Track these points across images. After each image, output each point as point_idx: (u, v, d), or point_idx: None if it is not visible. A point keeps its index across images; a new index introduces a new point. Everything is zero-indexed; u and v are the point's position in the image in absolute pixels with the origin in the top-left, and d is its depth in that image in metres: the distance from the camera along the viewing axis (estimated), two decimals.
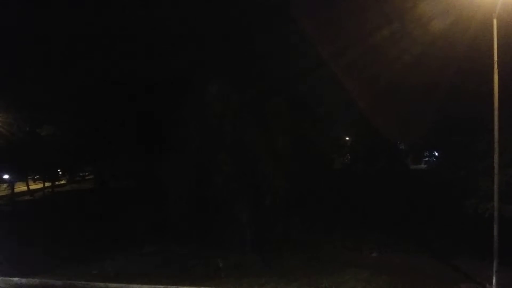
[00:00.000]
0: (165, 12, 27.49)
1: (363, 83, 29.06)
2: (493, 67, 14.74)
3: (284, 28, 26.35)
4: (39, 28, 28.72)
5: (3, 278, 18.78)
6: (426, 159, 56.91)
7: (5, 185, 44.05)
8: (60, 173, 48.20)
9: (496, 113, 14.76)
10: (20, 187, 49.41)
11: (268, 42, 26.65)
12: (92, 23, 28.42)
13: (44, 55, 30.15)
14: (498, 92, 14.71)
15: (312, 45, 26.70)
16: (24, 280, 18.61)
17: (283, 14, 26.38)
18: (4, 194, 44.94)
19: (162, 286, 17.39)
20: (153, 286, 17.49)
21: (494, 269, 14.72)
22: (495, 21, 14.68)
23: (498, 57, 14.67)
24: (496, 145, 14.83)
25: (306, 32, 26.24)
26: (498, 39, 14.68)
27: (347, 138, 58.58)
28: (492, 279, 14.83)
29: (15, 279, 18.70)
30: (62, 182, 53.60)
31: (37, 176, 52.98)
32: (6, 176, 44.33)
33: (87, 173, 51.02)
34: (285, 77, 26.87)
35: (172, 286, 17.30)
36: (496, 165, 14.90)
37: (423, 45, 22.46)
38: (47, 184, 49.10)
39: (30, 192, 49.02)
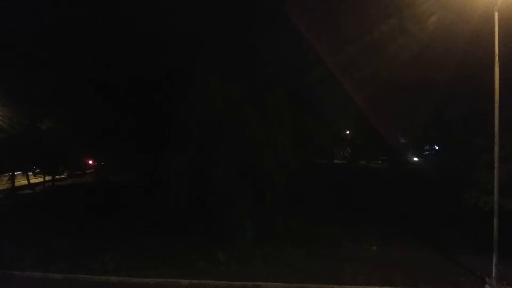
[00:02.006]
0: (165, 6, 27.40)
1: (364, 77, 29.04)
2: (494, 61, 14.73)
3: (285, 23, 26.30)
4: (39, 23, 28.64)
5: (4, 271, 18.83)
6: (427, 153, 56.99)
7: (5, 178, 44.08)
8: (61, 166, 48.12)
9: (496, 106, 14.77)
10: (21, 181, 49.47)
11: (268, 36, 26.63)
12: (93, 18, 28.33)
13: (44, 49, 30.05)
14: (499, 86, 14.72)
15: (313, 40, 26.67)
16: (25, 274, 18.67)
17: (284, 9, 26.32)
18: (5, 188, 44.96)
19: (162, 280, 17.46)
20: (153, 279, 17.56)
21: (494, 262, 14.80)
22: (496, 15, 14.66)
23: (499, 51, 14.66)
24: (496, 139, 14.85)
25: (307, 27, 26.19)
26: (499, 33, 14.66)
27: (347, 132, 58.62)
28: (492, 272, 14.92)
29: (16, 272, 18.77)
30: (63, 176, 53.67)
31: (38, 170, 53.07)
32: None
33: (91, 164, 50.99)
34: (285, 71, 26.89)
35: (173, 280, 17.38)
36: (496, 159, 14.93)
37: (423, 40, 22.43)
38: (47, 178, 49.17)
39: (30, 186, 49.09)
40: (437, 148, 49.75)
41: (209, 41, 26.96)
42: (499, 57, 14.67)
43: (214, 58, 25.59)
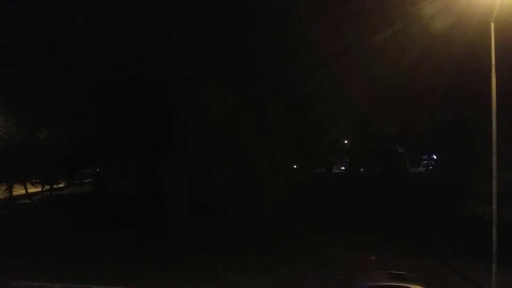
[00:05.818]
0: (163, 13, 27.49)
1: (362, 86, 29.17)
2: (491, 70, 14.82)
3: (284, 30, 26.40)
4: (38, 30, 28.67)
5: (1, 281, 18.69)
6: (425, 162, 57.07)
7: (3, 188, 43.83)
8: (59, 176, 47.90)
9: (494, 115, 14.81)
10: (19, 191, 49.22)
11: (267, 44, 26.69)
12: (92, 25, 28.42)
13: (43, 58, 30.06)
14: (496, 95, 14.78)
15: (311, 47, 26.80)
16: (22, 283, 18.53)
17: (282, 16, 26.45)
18: (2, 197, 44.73)
19: None
20: None
21: (493, 271, 14.75)
22: (492, 25, 14.77)
23: (495, 60, 14.75)
24: (494, 148, 14.88)
25: (305, 35, 26.33)
26: (495, 42, 14.76)
27: (346, 141, 58.67)
28: (491, 281, 14.86)
29: (13, 282, 18.63)
30: (61, 185, 53.42)
31: (35, 180, 52.83)
32: None
33: (90, 175, 50.86)
34: (284, 79, 26.93)
35: None
36: (494, 168, 14.94)
37: (421, 48, 22.59)
38: (45, 187, 48.93)
39: (28, 195, 48.83)
40: (435, 157, 49.87)
41: (208, 47, 27.00)
42: (496, 66, 14.76)
43: (212, 66, 25.64)
